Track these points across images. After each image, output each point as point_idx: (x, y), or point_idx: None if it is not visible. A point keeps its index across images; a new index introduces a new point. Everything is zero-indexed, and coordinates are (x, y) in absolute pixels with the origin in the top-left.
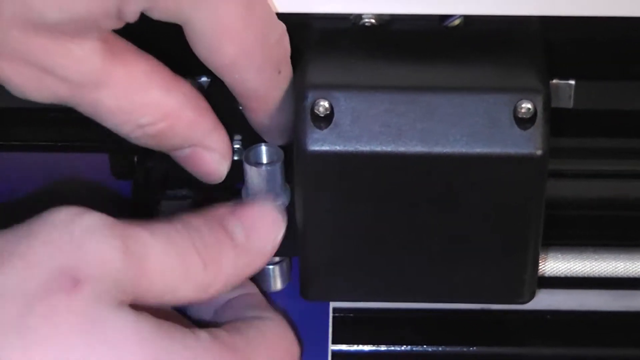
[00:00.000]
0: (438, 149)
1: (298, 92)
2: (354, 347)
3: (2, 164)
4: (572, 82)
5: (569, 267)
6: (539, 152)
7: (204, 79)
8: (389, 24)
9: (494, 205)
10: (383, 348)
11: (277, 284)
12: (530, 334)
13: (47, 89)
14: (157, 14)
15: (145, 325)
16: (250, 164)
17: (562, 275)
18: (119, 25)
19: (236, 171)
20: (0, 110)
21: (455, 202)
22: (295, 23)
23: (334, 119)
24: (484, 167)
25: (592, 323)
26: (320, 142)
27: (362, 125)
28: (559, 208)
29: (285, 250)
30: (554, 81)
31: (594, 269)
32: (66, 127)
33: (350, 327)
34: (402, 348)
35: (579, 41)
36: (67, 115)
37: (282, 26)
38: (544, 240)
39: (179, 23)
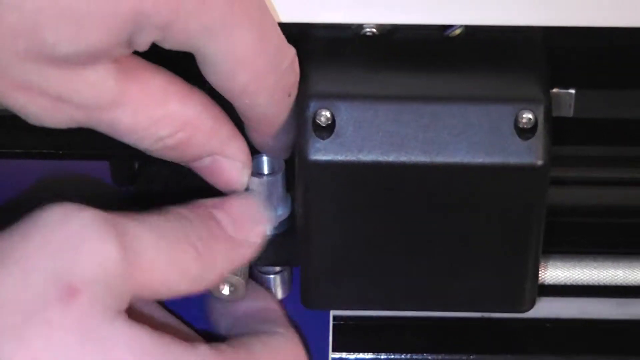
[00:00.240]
0: (439, 159)
1: (300, 102)
2: (354, 355)
3: (3, 172)
4: (572, 91)
5: (569, 275)
6: (540, 162)
7: None
8: (390, 33)
9: (495, 214)
10: (383, 356)
11: (278, 293)
12: (530, 342)
13: (64, 115)
14: (168, 44)
15: (142, 337)
16: (252, 174)
17: (563, 284)
18: (129, 52)
19: None
20: (1, 117)
21: (456, 211)
22: (296, 33)
23: (335, 129)
24: (485, 177)
25: (592, 331)
26: (321, 152)
27: (364, 135)
28: (558, 216)
29: (287, 259)
30: (554, 90)
31: (594, 277)
32: (67, 134)
33: (351, 334)
34: (402, 356)
35: (579, 51)
36: None
37: (292, 51)
38: (544, 248)
39: (190, 51)
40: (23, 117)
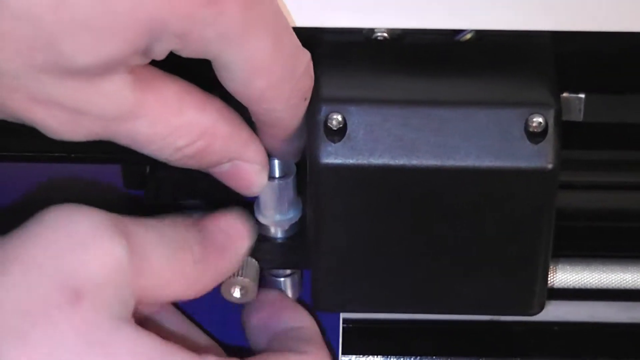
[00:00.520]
0: (450, 163)
1: (311, 106)
2: (364, 358)
3: (14, 175)
4: (582, 95)
5: (578, 279)
6: (550, 166)
7: None
8: (401, 38)
9: (504, 217)
10: (392, 359)
11: (289, 295)
12: (539, 345)
13: (82, 128)
14: (186, 52)
15: (147, 344)
16: None
17: (571, 287)
18: (146, 62)
19: None
20: (13, 121)
21: (466, 214)
22: (308, 37)
23: (347, 133)
24: (496, 181)
25: (600, 334)
26: (333, 156)
27: (375, 139)
28: (568, 220)
29: (297, 262)
30: (564, 95)
31: (603, 281)
32: None
33: (360, 337)
34: (412, 359)
35: (589, 55)
36: None
37: (307, 56)
38: (553, 252)
39: (207, 59)
40: (41, 130)
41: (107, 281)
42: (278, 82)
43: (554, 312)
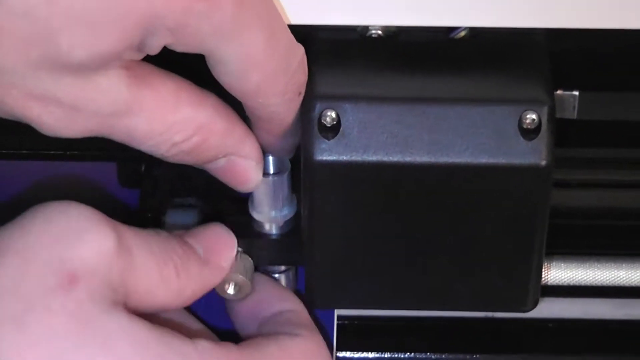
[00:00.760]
0: (444, 160)
1: (306, 102)
2: (359, 354)
3: (9, 173)
4: (576, 93)
5: (571, 276)
6: (544, 163)
7: None
8: (396, 35)
9: (498, 214)
10: (387, 355)
11: None
12: (533, 342)
13: (78, 124)
14: (180, 47)
15: (140, 329)
16: None
17: (565, 284)
18: (141, 57)
19: None
20: (8, 119)
21: (460, 211)
22: (303, 34)
23: (341, 129)
24: (489, 177)
25: (594, 331)
26: (327, 152)
27: (369, 136)
28: (562, 217)
29: (292, 259)
30: (558, 92)
31: (597, 278)
32: None
33: (355, 334)
34: (406, 355)
35: (583, 53)
36: None
37: (302, 50)
38: (547, 249)
39: (202, 53)
40: (37, 127)
41: (99, 267)
42: (273, 76)
43: (548, 309)
